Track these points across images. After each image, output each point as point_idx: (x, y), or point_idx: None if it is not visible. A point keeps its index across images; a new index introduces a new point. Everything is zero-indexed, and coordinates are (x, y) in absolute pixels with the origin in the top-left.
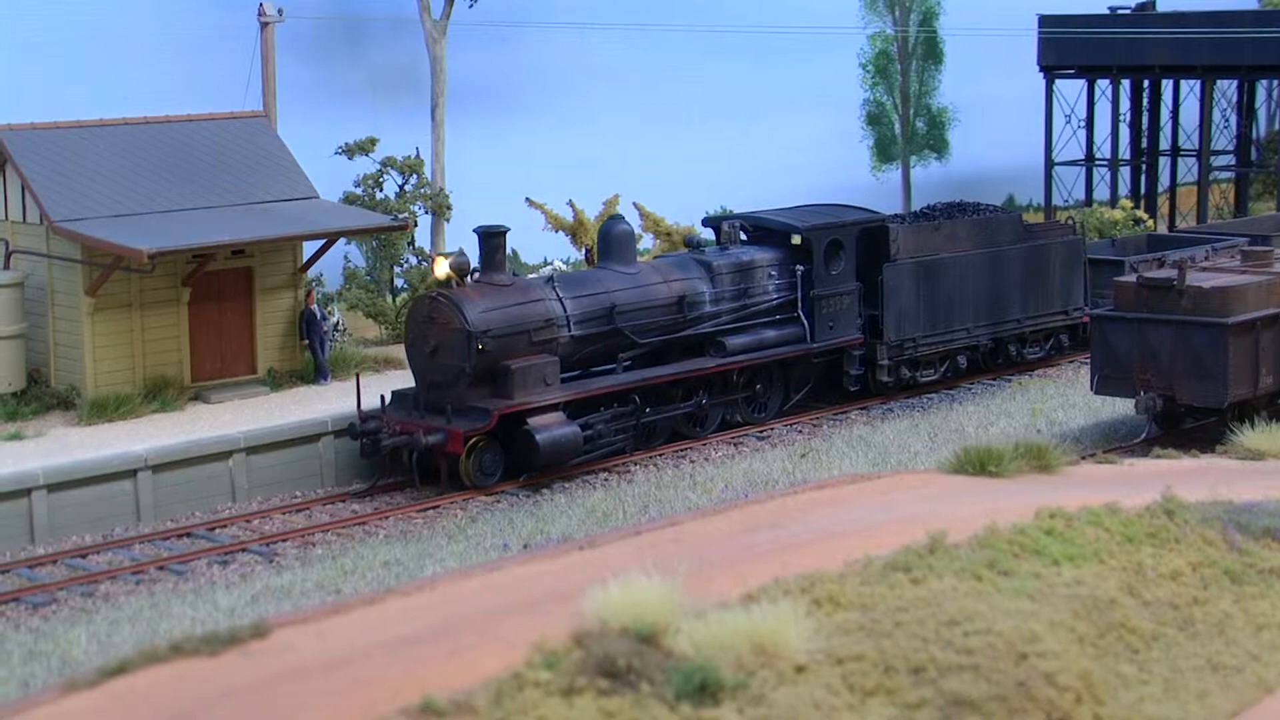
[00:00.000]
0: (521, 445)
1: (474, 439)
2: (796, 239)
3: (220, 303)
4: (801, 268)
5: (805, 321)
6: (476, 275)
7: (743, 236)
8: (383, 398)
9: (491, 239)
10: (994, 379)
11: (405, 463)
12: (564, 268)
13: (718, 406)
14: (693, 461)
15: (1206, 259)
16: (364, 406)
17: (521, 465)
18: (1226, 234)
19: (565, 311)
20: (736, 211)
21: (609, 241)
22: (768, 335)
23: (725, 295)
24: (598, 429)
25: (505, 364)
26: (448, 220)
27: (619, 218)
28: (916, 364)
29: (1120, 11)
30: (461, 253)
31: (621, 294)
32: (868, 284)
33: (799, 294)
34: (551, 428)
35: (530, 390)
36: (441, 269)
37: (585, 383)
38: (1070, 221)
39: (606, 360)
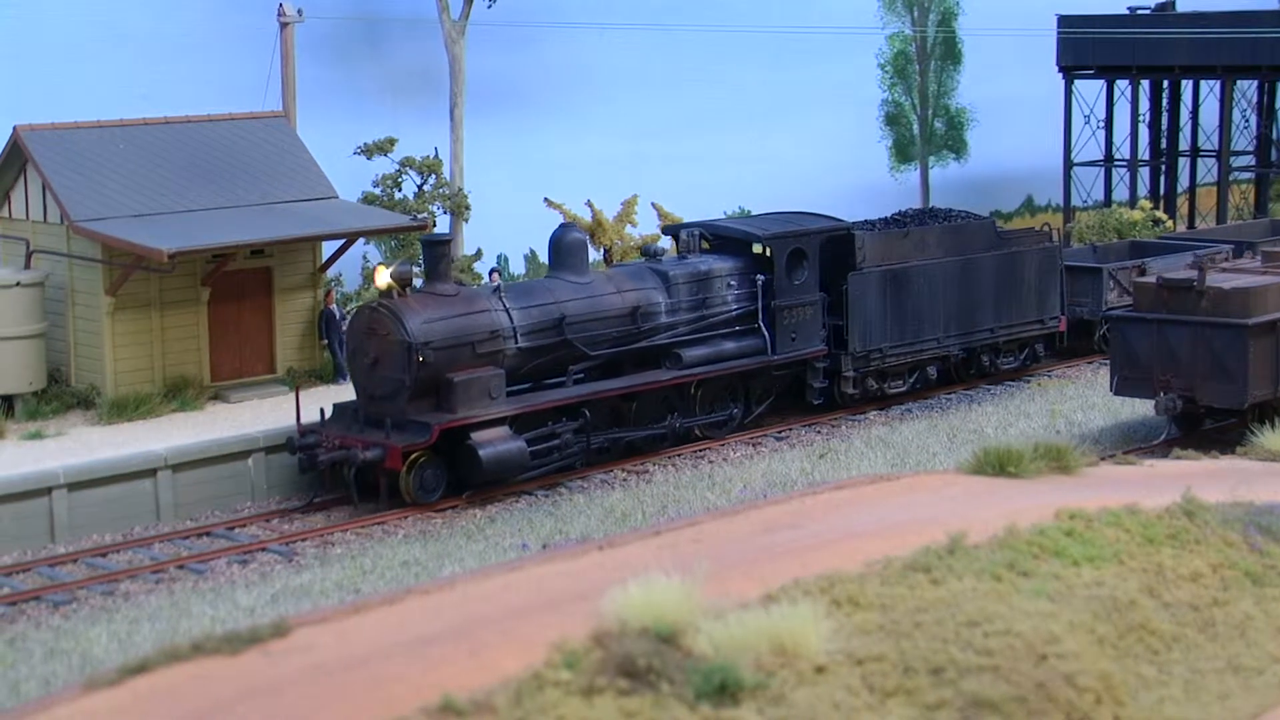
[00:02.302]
0: (465, 460)
1: (414, 454)
2: (758, 248)
3: (240, 302)
4: (762, 277)
5: (766, 333)
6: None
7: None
8: (322, 410)
9: (435, 248)
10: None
11: (345, 478)
12: None
13: (678, 420)
14: (711, 462)
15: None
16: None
17: (465, 481)
18: (1212, 240)
19: (512, 322)
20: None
21: (560, 250)
22: (727, 347)
23: (682, 306)
24: (546, 443)
25: (448, 377)
26: (466, 220)
27: (570, 225)
28: (884, 375)
29: (1140, 12)
30: (404, 261)
31: (572, 304)
32: (833, 294)
33: (760, 304)
34: (495, 443)
35: (474, 404)
36: (382, 279)
37: (533, 396)
38: (1046, 228)
39: (556, 373)
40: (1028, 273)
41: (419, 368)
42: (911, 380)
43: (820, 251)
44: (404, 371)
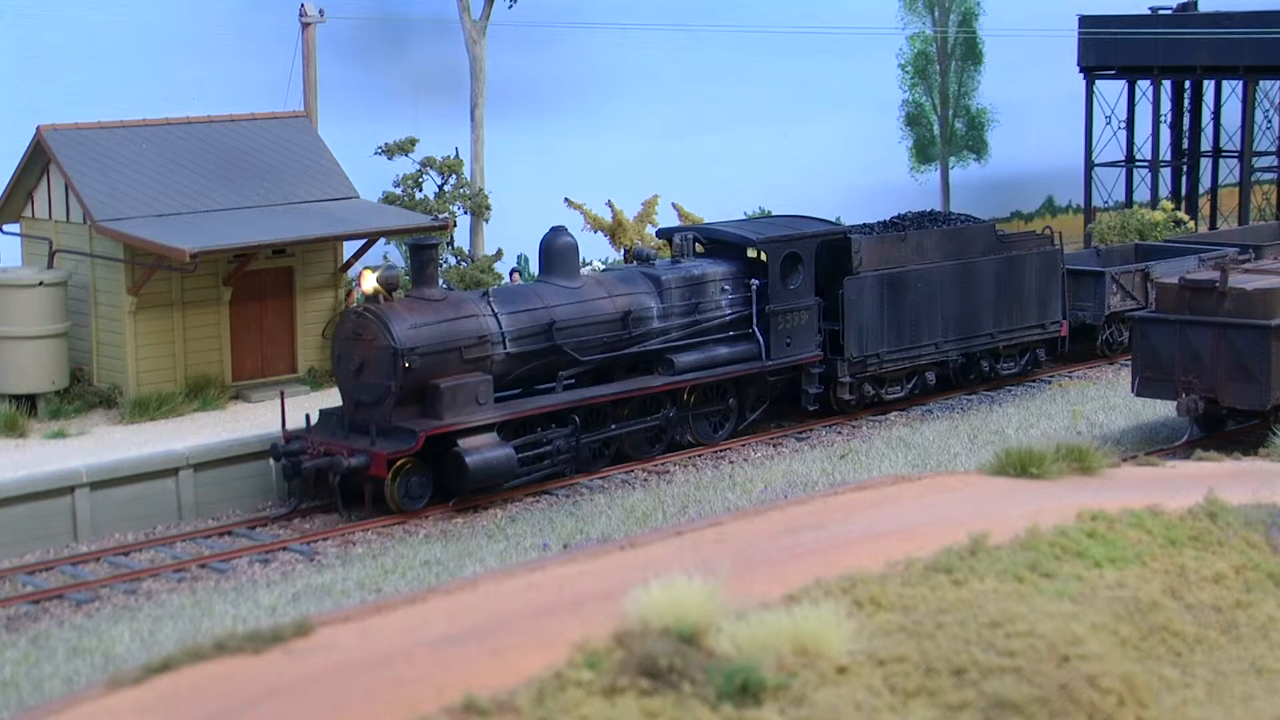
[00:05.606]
0: (452, 468)
1: (399, 462)
2: (752, 252)
3: (261, 302)
4: (756, 282)
5: (760, 338)
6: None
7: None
8: (307, 416)
9: (422, 251)
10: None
11: (330, 485)
12: (601, 267)
13: (670, 426)
14: (732, 462)
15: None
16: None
17: (452, 488)
18: (1218, 244)
19: (500, 328)
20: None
21: (550, 254)
22: (720, 352)
23: (674, 310)
24: (535, 450)
25: (434, 383)
26: (487, 220)
27: (561, 229)
28: (881, 381)
29: (1162, 12)
30: (390, 266)
31: (561, 309)
32: (829, 298)
33: (753, 309)
34: (483, 450)
35: (460, 410)
36: (369, 283)
37: (521, 402)
38: (1047, 231)
39: (546, 379)
40: (1028, 276)
41: (405, 374)
42: (910, 386)
43: (816, 255)
44: (389, 377)
